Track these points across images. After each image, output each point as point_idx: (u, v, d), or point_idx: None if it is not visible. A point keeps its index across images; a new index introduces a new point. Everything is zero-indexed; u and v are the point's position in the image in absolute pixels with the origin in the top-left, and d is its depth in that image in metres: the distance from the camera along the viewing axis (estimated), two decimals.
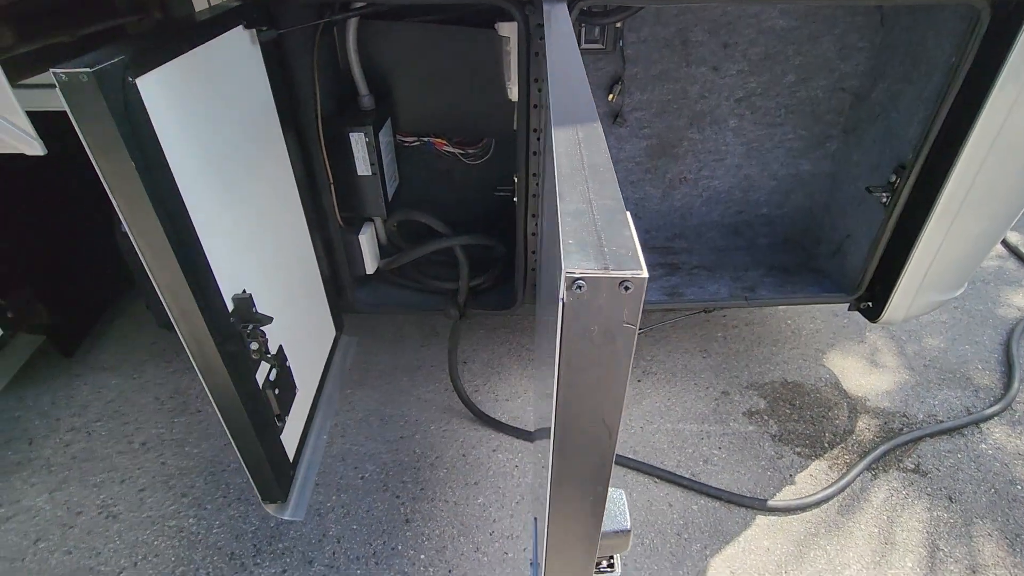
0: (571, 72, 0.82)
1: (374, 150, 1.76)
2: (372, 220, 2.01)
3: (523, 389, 2.39)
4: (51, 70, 0.74)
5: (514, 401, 2.33)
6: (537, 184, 1.70)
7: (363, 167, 1.79)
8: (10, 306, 1.87)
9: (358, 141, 1.73)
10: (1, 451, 2.11)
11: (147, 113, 0.86)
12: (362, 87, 1.82)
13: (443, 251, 1.99)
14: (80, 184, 2.04)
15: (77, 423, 2.22)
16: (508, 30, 1.62)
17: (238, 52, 1.23)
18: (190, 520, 1.88)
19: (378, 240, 2.08)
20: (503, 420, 2.21)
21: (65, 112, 0.79)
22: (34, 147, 0.88)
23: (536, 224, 1.77)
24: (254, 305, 1.14)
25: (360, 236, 1.92)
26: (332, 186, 1.77)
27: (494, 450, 2.13)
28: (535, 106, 1.56)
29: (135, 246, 0.91)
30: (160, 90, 0.90)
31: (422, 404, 2.32)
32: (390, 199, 1.94)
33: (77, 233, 2.30)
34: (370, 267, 2.01)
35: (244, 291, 1.16)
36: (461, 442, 2.16)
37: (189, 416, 2.26)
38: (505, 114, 2.01)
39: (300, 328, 1.58)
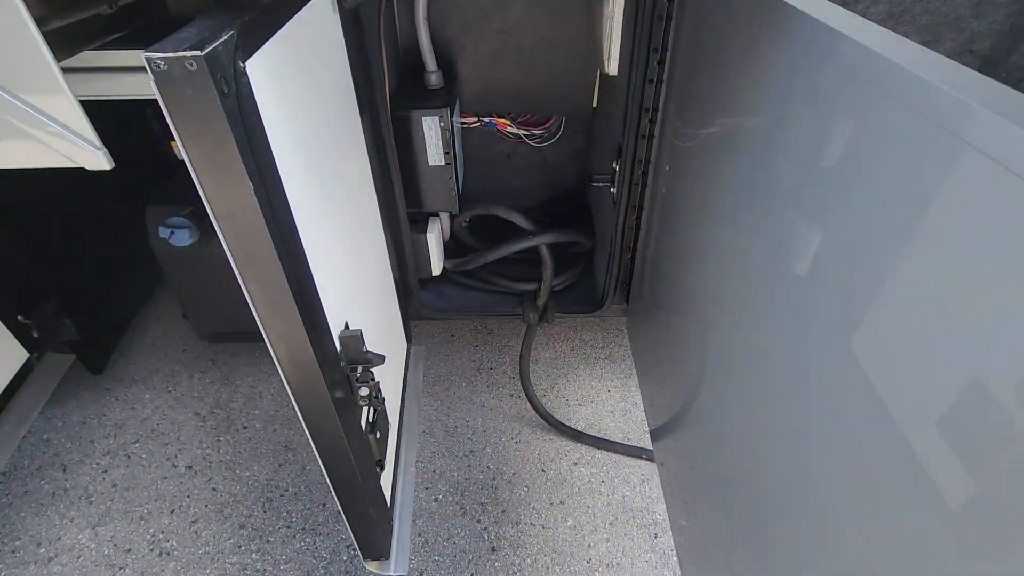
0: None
1: (449, 136, 1.52)
2: (438, 215, 1.78)
3: (595, 393, 2.20)
4: (145, 55, 0.50)
5: (587, 407, 2.15)
6: (643, 173, 1.47)
7: (435, 156, 1.55)
8: (35, 324, 1.64)
9: (431, 126, 1.49)
10: (33, 480, 1.91)
11: (258, 110, 0.63)
12: (430, 61, 1.57)
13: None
14: (103, 183, 1.78)
15: (113, 445, 2.02)
16: None
17: (323, 24, 0.99)
18: (253, 556, 1.70)
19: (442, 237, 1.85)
20: (580, 428, 2.03)
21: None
22: (99, 160, 0.66)
23: (639, 217, 1.55)
24: (363, 342, 0.93)
25: (428, 235, 1.69)
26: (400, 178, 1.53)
27: (575, 463, 1.95)
28: (650, 81, 1.32)
29: (245, 291, 0.68)
30: (263, 77, 0.67)
31: (487, 413, 2.12)
32: (461, 189, 1.70)
33: (103, 239, 2.06)
34: (436, 268, 1.79)
35: (348, 325, 0.94)
36: (538, 455, 1.98)
37: (235, 434, 2.06)
38: (583, 89, 1.77)
39: (383, 349, 1.37)
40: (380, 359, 0.94)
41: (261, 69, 0.66)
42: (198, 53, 0.51)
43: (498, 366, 2.31)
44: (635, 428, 2.07)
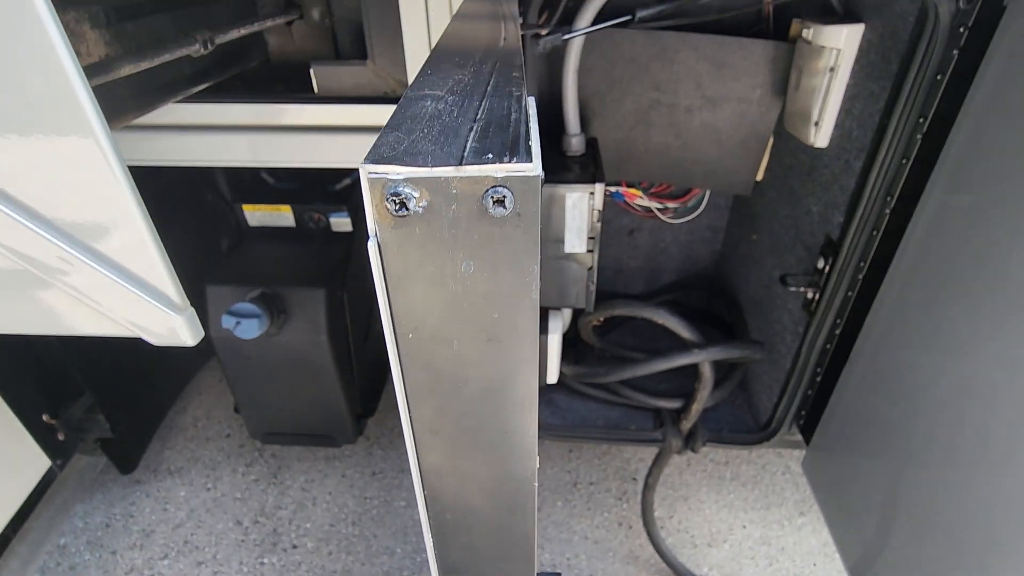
0: None
1: (596, 218, 1.17)
2: (559, 311, 1.41)
3: (726, 529, 1.74)
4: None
5: (720, 548, 1.69)
6: (863, 278, 1.08)
7: (575, 241, 1.20)
8: (63, 424, 1.32)
9: (577, 205, 1.15)
10: None
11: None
12: (573, 122, 1.24)
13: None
14: None
15: (138, 560, 1.66)
16: (839, 38, 1.01)
17: None
18: None
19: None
20: None
21: None
22: (181, 333, 0.31)
23: (843, 331, 1.15)
24: None
25: (549, 336, 1.32)
26: None
27: None
28: (905, 160, 0.94)
29: None
30: None
31: (592, 548, 1.69)
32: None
33: None
34: (553, 375, 1.41)
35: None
36: None
37: (281, 555, 1.68)
38: (747, 160, 1.41)
39: None
40: None
41: None
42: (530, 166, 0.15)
43: (600, 480, 1.88)
44: None
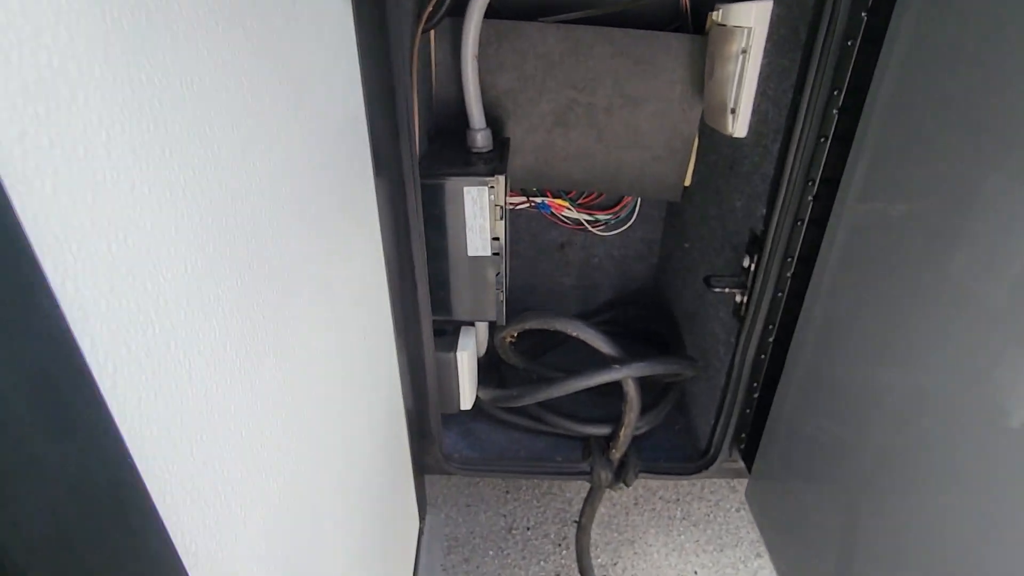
0: None
1: (502, 217, 1.05)
2: (472, 326, 1.27)
3: (676, 574, 1.56)
4: None
5: None
6: (792, 275, 0.97)
7: (478, 243, 1.07)
8: None
9: (477, 201, 1.02)
10: None
11: None
12: (477, 116, 1.14)
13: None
14: None
15: None
16: (748, 16, 0.94)
17: (320, 28, 0.54)
18: None
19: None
20: None
21: None
22: None
23: (778, 340, 1.03)
24: None
25: (458, 354, 1.17)
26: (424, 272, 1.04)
27: None
28: (824, 139, 0.85)
29: None
30: None
31: None
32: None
33: None
34: (467, 400, 1.25)
35: None
36: None
37: None
38: (674, 164, 1.32)
39: (378, 536, 0.81)
40: None
41: None
42: None
43: (537, 524, 1.69)
44: None
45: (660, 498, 1.78)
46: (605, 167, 1.35)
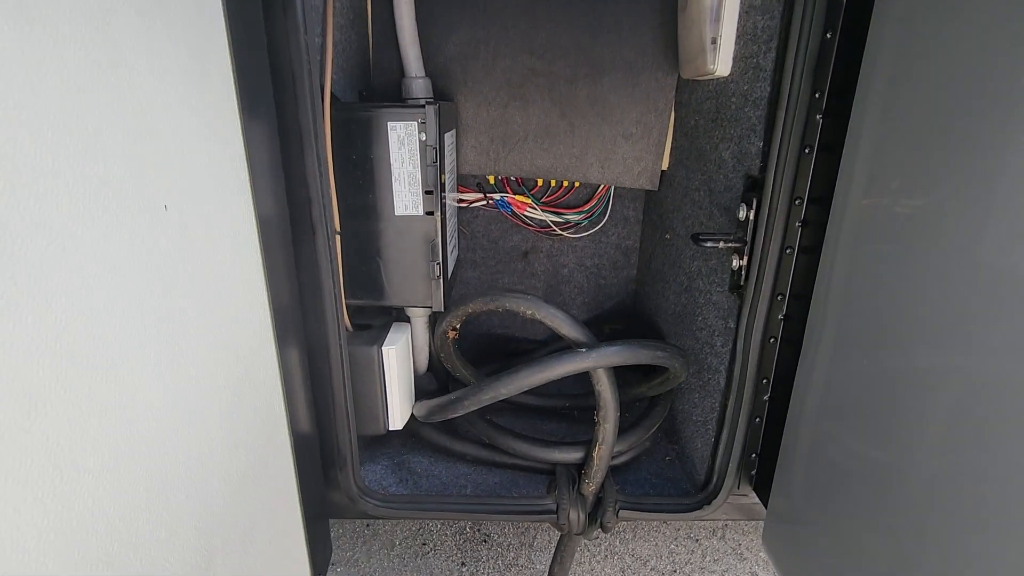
0: None
1: (434, 162, 0.84)
2: (407, 323, 1.02)
3: None
4: None
5: None
6: (803, 223, 0.76)
7: (407, 196, 0.85)
8: None
9: (404, 139, 0.82)
10: None
11: None
12: (414, 64, 0.96)
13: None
14: None
15: None
16: None
17: None
18: None
19: (414, 360, 1.07)
20: None
21: None
22: None
23: (780, 313, 0.79)
24: None
25: (384, 348, 0.91)
26: (337, 237, 0.81)
27: None
28: (828, 34, 0.68)
29: None
30: None
31: None
32: (450, 278, 0.97)
33: None
34: (398, 418, 0.96)
35: None
36: None
37: None
38: (648, 143, 1.15)
39: None
40: None
41: None
42: None
43: None
44: None
45: (653, 570, 1.43)
46: (570, 148, 1.17)
